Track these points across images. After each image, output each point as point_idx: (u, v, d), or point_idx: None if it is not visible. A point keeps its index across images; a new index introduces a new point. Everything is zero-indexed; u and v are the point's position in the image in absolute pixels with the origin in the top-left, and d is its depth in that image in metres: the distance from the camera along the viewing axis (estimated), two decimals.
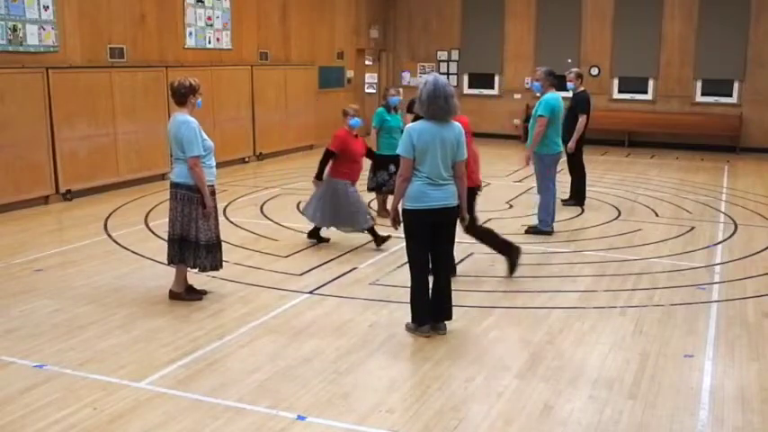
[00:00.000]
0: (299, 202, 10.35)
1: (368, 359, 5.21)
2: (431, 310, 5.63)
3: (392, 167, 8.70)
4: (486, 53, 18.97)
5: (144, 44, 12.12)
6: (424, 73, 18.45)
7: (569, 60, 17.27)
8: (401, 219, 5.59)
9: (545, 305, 6.38)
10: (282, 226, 9.10)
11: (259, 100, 14.57)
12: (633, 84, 17.90)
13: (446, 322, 5.68)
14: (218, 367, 5.04)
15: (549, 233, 8.77)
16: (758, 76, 16.75)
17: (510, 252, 7.09)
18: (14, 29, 10.00)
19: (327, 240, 8.27)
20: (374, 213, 8.57)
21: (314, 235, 8.24)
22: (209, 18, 13.54)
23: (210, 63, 13.46)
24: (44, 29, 10.41)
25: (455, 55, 19.26)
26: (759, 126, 16.96)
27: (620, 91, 18.07)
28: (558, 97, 8.68)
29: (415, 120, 6.00)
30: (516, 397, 4.64)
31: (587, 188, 10.78)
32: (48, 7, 10.42)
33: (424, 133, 5.36)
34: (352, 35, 18.24)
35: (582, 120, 10.22)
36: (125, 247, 8.05)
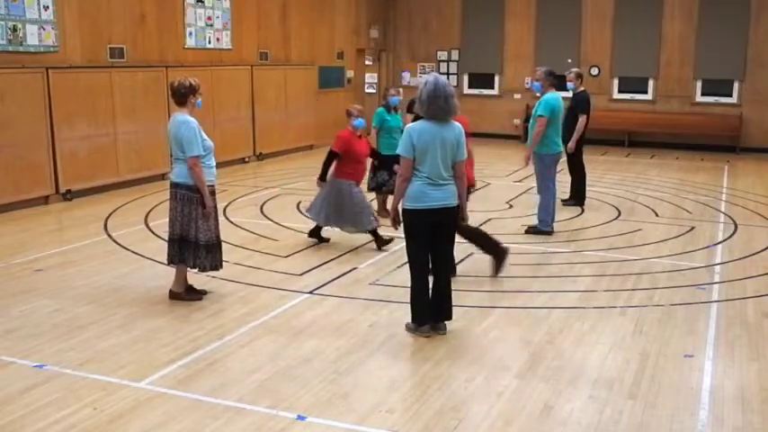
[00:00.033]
0: (299, 202, 10.36)
1: (368, 359, 5.21)
2: (431, 310, 5.63)
3: (397, 167, 8.69)
4: (486, 53, 18.97)
5: (144, 44, 12.12)
6: (424, 73, 18.45)
7: (569, 60, 17.27)
8: (401, 219, 5.60)
9: (545, 305, 6.38)
10: (282, 226, 9.10)
11: (259, 100, 14.57)
12: (633, 84, 17.90)
13: (446, 322, 5.68)
14: (218, 367, 5.04)
15: (549, 233, 8.77)
16: (758, 76, 16.75)
17: (497, 252, 7.05)
18: (14, 29, 10.01)
19: (327, 240, 8.27)
20: (386, 220, 8.57)
21: (315, 234, 8.24)
22: (209, 18, 13.54)
23: (210, 63, 13.46)
24: (44, 29, 10.41)
25: (455, 55, 19.27)
26: (759, 126, 16.96)
27: (620, 91, 18.07)
28: (557, 97, 8.68)
29: (415, 120, 6.00)
30: (516, 397, 4.64)
31: (587, 188, 10.78)
32: (48, 7, 10.42)
33: (424, 133, 5.36)
34: (352, 35, 18.24)
35: (582, 120, 10.23)
36: (125, 247, 8.05)
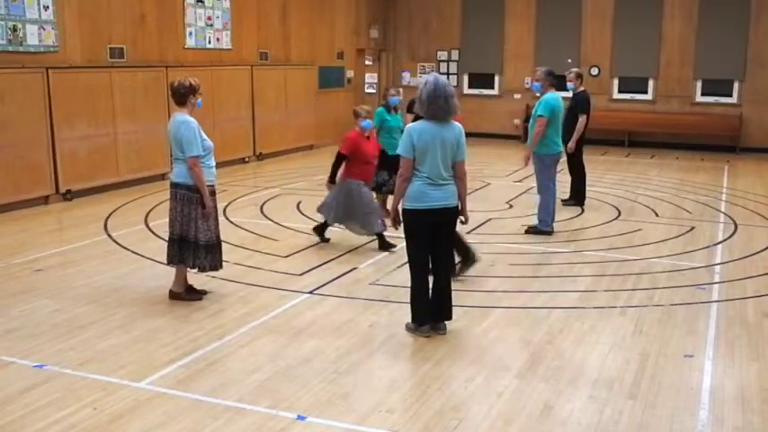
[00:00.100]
0: (299, 203, 10.37)
1: (368, 359, 5.21)
2: (431, 310, 5.63)
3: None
4: (486, 53, 18.97)
5: (144, 44, 12.12)
6: (424, 73, 18.45)
7: (569, 60, 17.27)
8: (401, 219, 5.60)
9: (545, 305, 6.38)
10: (282, 226, 9.10)
11: (259, 100, 14.57)
12: (633, 84, 17.90)
13: (446, 322, 5.68)
14: (218, 367, 5.04)
15: (549, 233, 8.77)
16: (758, 76, 16.75)
17: (466, 257, 6.94)
18: (14, 29, 10.00)
19: (328, 240, 8.27)
20: (388, 221, 8.57)
21: (319, 231, 8.24)
22: (209, 18, 13.54)
23: (210, 63, 13.46)
24: (44, 29, 10.41)
25: (455, 55, 19.26)
26: (759, 126, 16.96)
27: (620, 91, 18.07)
28: (557, 97, 8.68)
29: (415, 120, 5.99)
30: (516, 397, 4.64)
31: (587, 188, 10.78)
32: (48, 7, 10.42)
33: (424, 133, 5.36)
34: (352, 35, 18.24)
35: (582, 120, 10.23)
36: (125, 247, 8.05)
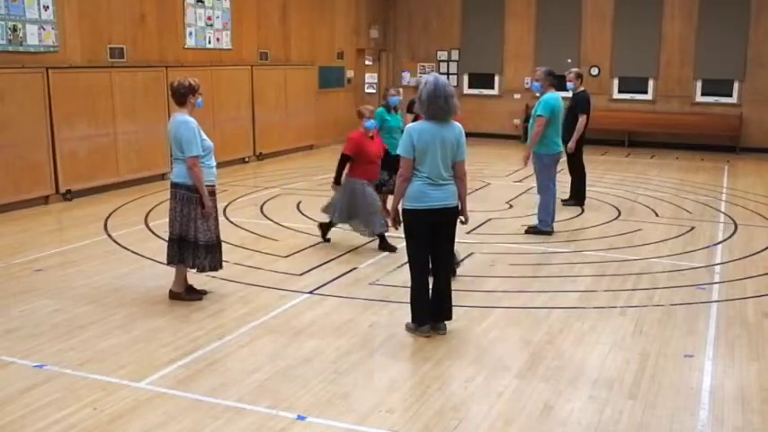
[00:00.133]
0: (299, 203, 10.37)
1: (368, 359, 5.21)
2: (431, 310, 5.63)
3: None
4: (486, 53, 18.97)
5: (144, 44, 12.12)
6: (424, 73, 18.44)
7: (569, 60, 17.26)
8: (401, 219, 5.60)
9: (545, 305, 6.38)
10: (282, 226, 9.10)
11: (259, 100, 14.57)
12: (633, 84, 17.90)
13: (446, 322, 5.68)
14: (218, 367, 5.04)
15: (549, 233, 8.77)
16: (758, 76, 16.75)
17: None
18: (14, 29, 10.00)
19: (329, 240, 8.27)
20: (389, 222, 8.57)
21: (323, 229, 8.25)
22: (210, 18, 13.54)
23: (210, 63, 13.46)
24: (44, 29, 10.41)
25: (455, 55, 19.26)
26: (759, 126, 16.96)
27: (620, 91, 18.07)
28: (557, 97, 8.68)
29: (415, 120, 5.99)
30: (516, 397, 4.64)
31: (587, 188, 10.79)
32: (48, 7, 10.42)
33: (424, 133, 5.36)
34: (352, 35, 18.24)
35: (582, 120, 10.23)
36: (125, 247, 8.05)
